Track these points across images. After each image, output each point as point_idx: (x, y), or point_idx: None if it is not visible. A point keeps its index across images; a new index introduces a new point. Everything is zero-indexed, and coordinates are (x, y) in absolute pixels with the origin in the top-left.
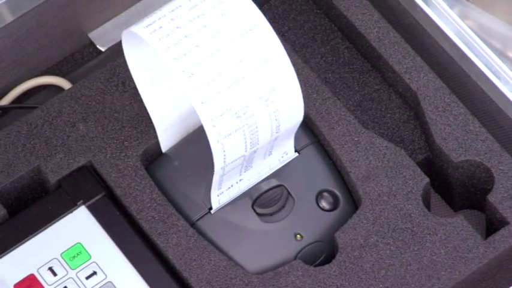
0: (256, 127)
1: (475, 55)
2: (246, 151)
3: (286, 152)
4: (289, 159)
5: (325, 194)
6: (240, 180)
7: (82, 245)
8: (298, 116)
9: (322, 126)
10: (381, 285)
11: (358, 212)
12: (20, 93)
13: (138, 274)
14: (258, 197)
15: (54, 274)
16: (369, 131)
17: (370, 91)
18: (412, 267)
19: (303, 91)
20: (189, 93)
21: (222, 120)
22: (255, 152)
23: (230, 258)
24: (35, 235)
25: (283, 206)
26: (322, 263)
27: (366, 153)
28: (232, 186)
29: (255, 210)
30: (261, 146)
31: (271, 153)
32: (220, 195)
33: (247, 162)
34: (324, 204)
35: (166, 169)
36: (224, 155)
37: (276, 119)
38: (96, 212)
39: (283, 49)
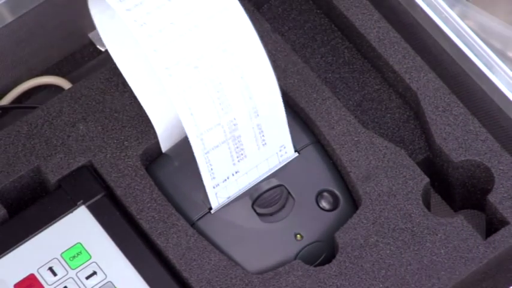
0: (220, 82)
1: (475, 55)
2: (219, 117)
3: (284, 146)
4: (289, 159)
5: (325, 194)
6: (236, 172)
7: (82, 245)
8: (268, 77)
9: (322, 126)
10: (381, 285)
11: (358, 212)
12: (20, 93)
13: (138, 274)
14: (258, 197)
15: (54, 274)
16: (369, 131)
17: (370, 91)
18: (412, 267)
19: (303, 91)
20: (141, 42)
21: (178, 69)
22: (235, 125)
23: (230, 258)
24: (35, 235)
25: (283, 206)
26: (322, 263)
27: (366, 153)
28: (228, 178)
29: (255, 210)
30: (240, 118)
31: (265, 143)
32: (217, 187)
33: (235, 145)
34: (324, 204)
35: (166, 169)
36: (191, 114)
37: (241, 77)
38: (96, 212)
39: (237, 1)
